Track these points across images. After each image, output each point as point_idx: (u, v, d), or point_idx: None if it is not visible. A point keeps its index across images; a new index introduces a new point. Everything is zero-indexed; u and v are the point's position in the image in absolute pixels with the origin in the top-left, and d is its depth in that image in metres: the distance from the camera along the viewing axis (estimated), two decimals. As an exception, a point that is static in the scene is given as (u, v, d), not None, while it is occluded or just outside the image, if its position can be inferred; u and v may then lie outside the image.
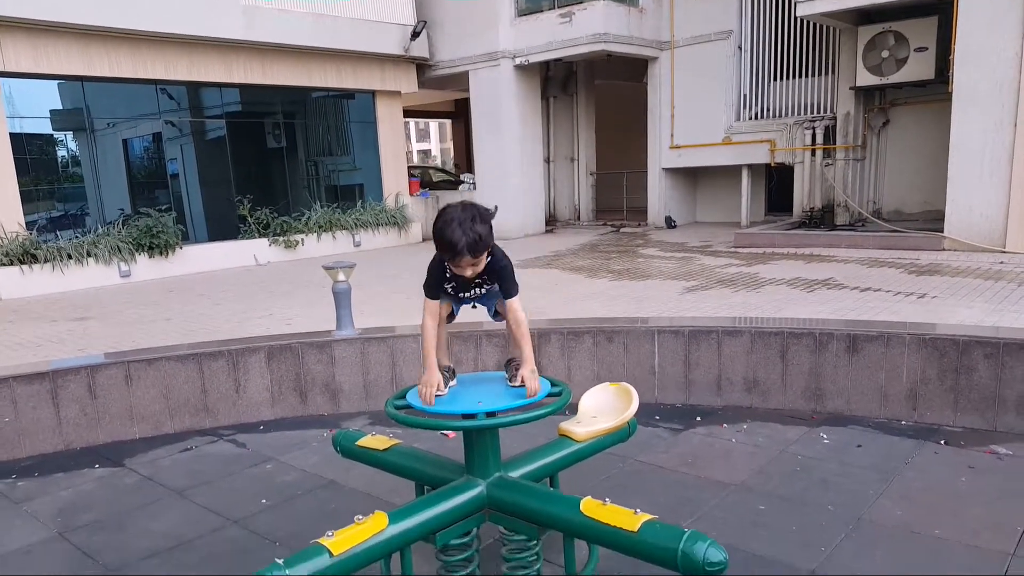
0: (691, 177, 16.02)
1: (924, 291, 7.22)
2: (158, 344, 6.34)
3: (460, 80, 16.00)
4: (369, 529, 2.45)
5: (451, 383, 3.01)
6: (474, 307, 3.09)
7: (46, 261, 10.62)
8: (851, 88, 12.55)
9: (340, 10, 13.87)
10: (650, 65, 15.09)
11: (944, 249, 9.98)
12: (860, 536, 3.46)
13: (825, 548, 3.35)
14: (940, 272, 8.30)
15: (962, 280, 7.73)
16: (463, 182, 16.79)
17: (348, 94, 15.27)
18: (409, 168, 16.81)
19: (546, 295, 7.94)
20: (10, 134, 10.78)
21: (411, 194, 15.96)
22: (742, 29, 14.17)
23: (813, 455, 4.48)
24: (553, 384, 3.02)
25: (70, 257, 10.82)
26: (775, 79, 14.08)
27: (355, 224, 14.42)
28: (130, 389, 5.35)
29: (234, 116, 13.88)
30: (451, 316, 3.06)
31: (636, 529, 2.38)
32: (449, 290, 2.90)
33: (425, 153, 40.90)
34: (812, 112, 13.58)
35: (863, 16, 11.88)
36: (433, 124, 38.34)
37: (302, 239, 13.56)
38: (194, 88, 13.04)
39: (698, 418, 5.27)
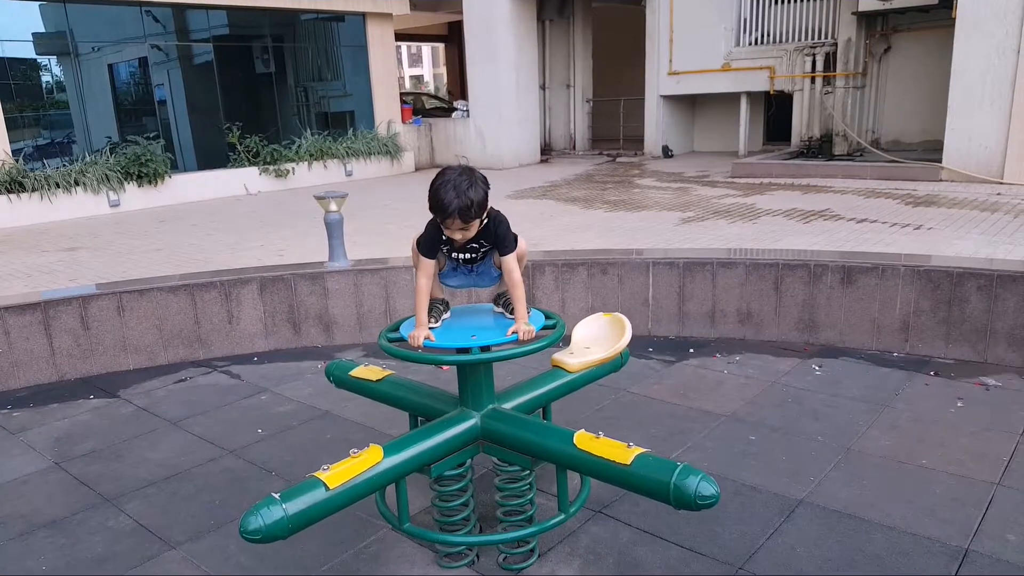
0: (689, 105, 15.73)
1: (920, 222, 7.18)
2: (150, 275, 6.30)
3: (453, 0, 15.49)
4: (364, 462, 2.47)
5: (444, 315, 3.00)
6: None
7: (34, 190, 10.45)
8: (853, 13, 12.22)
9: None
10: (649, -13, 14.64)
11: (942, 180, 9.90)
12: (849, 466, 3.51)
13: (814, 478, 3.41)
14: (937, 203, 8.25)
15: (959, 211, 7.69)
16: (456, 109, 16.45)
17: (338, 16, 14.80)
18: (401, 95, 16.46)
19: (540, 226, 7.88)
20: (-8, 57, 10.51)
21: (403, 121, 15.65)
22: (744, -51, 13.70)
23: (804, 386, 4.52)
24: (547, 317, 3.01)
25: (58, 186, 10.64)
26: (776, 2, 13.67)
27: (346, 153, 14.17)
28: (123, 320, 5.34)
29: (221, 40, 13.45)
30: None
31: (629, 462, 2.40)
32: (444, 249, 2.88)
33: (418, 79, 39.96)
34: (813, 38, 13.23)
35: (869, -64, 11.51)
36: (426, 48, 37.43)
37: (293, 168, 13.34)
38: (180, 10, 12.61)
39: (691, 350, 5.30)
